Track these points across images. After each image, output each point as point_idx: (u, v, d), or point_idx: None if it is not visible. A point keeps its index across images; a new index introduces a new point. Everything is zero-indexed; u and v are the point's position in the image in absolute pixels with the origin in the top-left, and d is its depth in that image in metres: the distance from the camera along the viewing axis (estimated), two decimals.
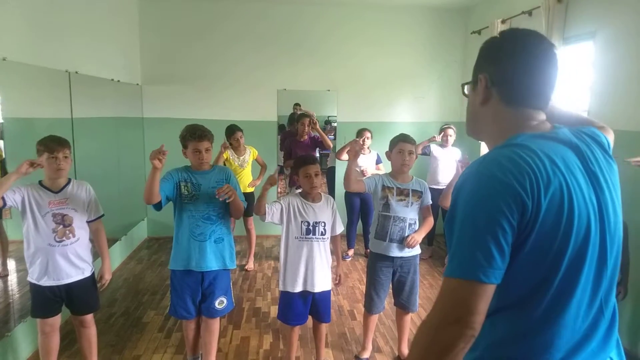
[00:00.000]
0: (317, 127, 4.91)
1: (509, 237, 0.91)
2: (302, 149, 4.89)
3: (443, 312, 0.92)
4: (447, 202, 2.95)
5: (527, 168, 0.92)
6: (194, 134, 2.63)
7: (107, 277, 2.72)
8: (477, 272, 0.89)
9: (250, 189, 4.79)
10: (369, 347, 3.10)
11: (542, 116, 1.08)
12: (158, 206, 2.59)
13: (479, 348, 1.00)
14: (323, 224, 2.75)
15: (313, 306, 2.82)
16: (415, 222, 2.88)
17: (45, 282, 2.49)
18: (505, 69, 1.07)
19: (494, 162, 0.95)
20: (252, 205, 4.74)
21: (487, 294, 0.90)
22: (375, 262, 2.93)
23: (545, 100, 1.07)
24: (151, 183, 2.48)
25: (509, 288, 0.95)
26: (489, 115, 1.11)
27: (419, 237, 2.88)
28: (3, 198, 2.34)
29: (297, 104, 6.03)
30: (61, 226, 2.51)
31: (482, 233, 0.91)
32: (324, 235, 2.76)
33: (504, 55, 1.07)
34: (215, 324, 2.81)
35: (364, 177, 3.02)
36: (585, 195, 0.95)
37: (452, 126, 5.11)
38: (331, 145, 5.09)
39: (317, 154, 5.36)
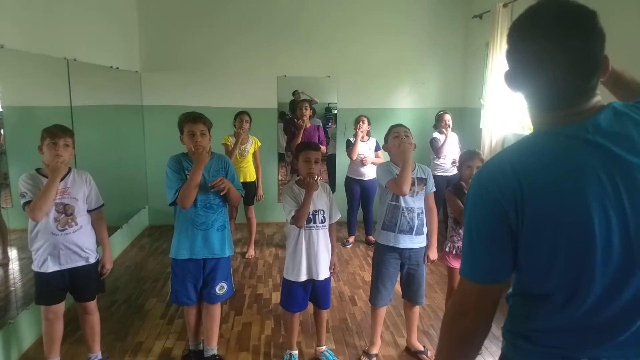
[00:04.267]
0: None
1: (503, 241, 0.97)
2: (306, 135, 4.89)
3: (454, 306, 1.07)
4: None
5: (511, 174, 0.94)
6: (190, 116, 2.62)
7: (108, 266, 2.75)
8: (477, 275, 1.01)
9: (250, 179, 4.78)
10: (378, 342, 3.02)
11: (573, 109, 0.96)
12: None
13: (506, 323, 1.10)
14: (322, 212, 2.76)
15: (313, 293, 2.84)
16: (422, 211, 2.83)
17: (50, 269, 2.50)
18: (511, 69, 1.02)
19: (488, 166, 1.02)
20: (252, 194, 4.82)
21: (490, 291, 1.01)
22: (383, 254, 2.85)
23: (567, 98, 0.96)
24: (196, 183, 2.54)
25: (525, 278, 1.01)
26: (531, 115, 1.08)
27: (435, 254, 2.90)
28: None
29: (296, 91, 6.00)
30: (63, 215, 2.51)
31: (476, 240, 1.01)
32: (324, 222, 2.77)
33: (509, 51, 1.02)
34: (216, 310, 2.82)
35: (384, 175, 2.80)
36: (590, 203, 0.89)
37: (447, 111, 5.08)
38: (325, 151, 5.11)
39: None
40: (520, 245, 0.96)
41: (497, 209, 0.95)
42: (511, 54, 1.02)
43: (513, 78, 1.02)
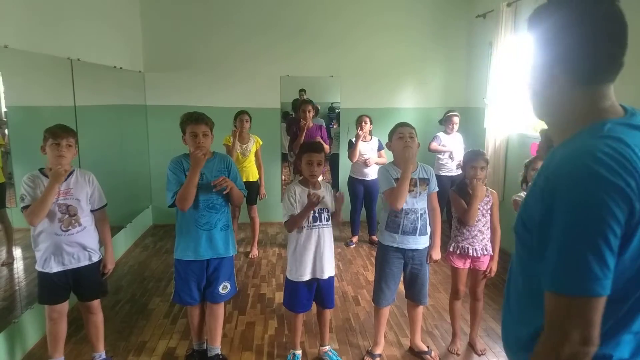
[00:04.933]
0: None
1: (619, 242, 0.85)
2: (308, 135, 4.89)
3: (564, 332, 0.87)
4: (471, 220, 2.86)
5: (630, 166, 0.84)
6: (191, 117, 2.62)
7: (110, 266, 2.75)
8: (595, 287, 0.84)
9: (253, 179, 4.77)
10: (381, 342, 3.01)
11: (612, 91, 0.97)
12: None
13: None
14: (327, 210, 2.77)
15: (317, 293, 2.83)
16: (425, 211, 2.82)
17: (53, 269, 2.51)
18: (565, 41, 0.96)
19: (593, 157, 0.86)
20: (255, 193, 4.82)
21: (604, 304, 0.86)
22: (386, 254, 2.83)
23: (618, 68, 0.96)
24: (194, 184, 2.53)
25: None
26: (555, 96, 1.01)
27: (438, 254, 2.88)
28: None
29: (302, 90, 6.00)
30: (67, 216, 2.51)
31: (595, 241, 0.83)
32: (329, 221, 2.78)
33: (560, 24, 0.97)
34: (220, 309, 2.83)
35: (385, 183, 2.77)
36: None
37: (457, 113, 5.08)
38: (329, 150, 5.15)
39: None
40: (632, 244, 0.86)
41: (622, 204, 0.83)
42: (558, 22, 0.97)
43: (560, 47, 0.98)
